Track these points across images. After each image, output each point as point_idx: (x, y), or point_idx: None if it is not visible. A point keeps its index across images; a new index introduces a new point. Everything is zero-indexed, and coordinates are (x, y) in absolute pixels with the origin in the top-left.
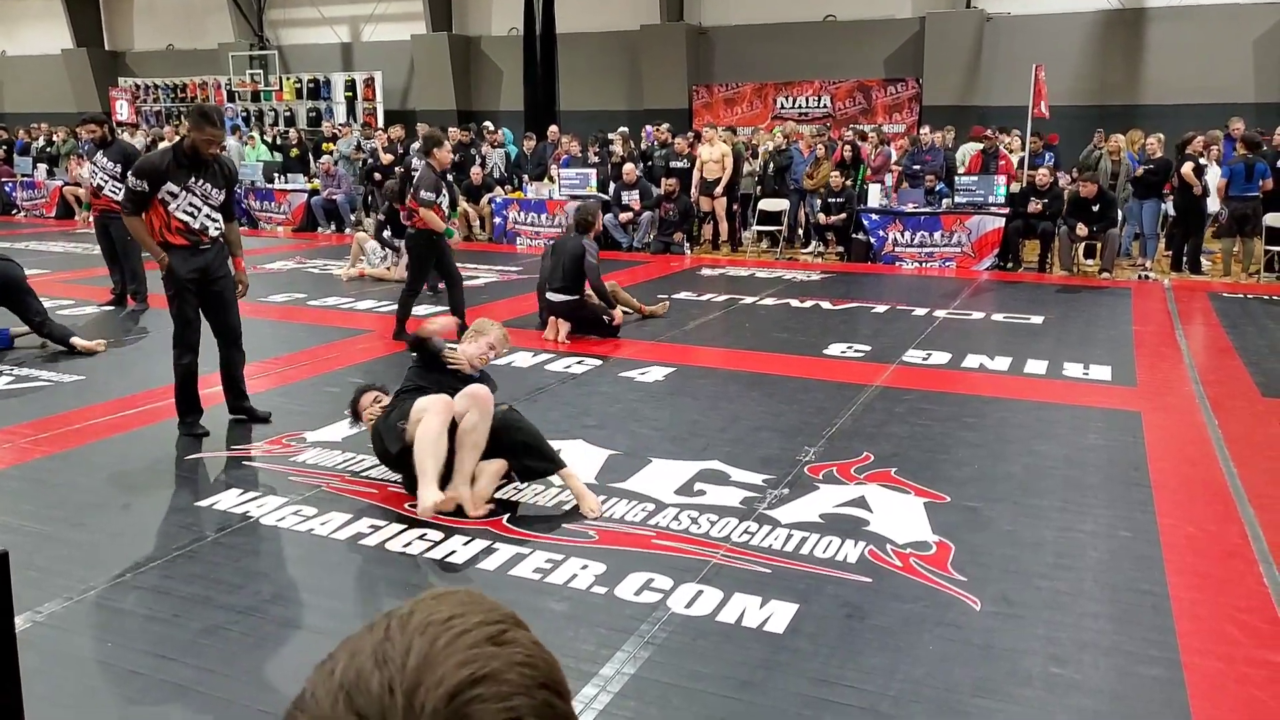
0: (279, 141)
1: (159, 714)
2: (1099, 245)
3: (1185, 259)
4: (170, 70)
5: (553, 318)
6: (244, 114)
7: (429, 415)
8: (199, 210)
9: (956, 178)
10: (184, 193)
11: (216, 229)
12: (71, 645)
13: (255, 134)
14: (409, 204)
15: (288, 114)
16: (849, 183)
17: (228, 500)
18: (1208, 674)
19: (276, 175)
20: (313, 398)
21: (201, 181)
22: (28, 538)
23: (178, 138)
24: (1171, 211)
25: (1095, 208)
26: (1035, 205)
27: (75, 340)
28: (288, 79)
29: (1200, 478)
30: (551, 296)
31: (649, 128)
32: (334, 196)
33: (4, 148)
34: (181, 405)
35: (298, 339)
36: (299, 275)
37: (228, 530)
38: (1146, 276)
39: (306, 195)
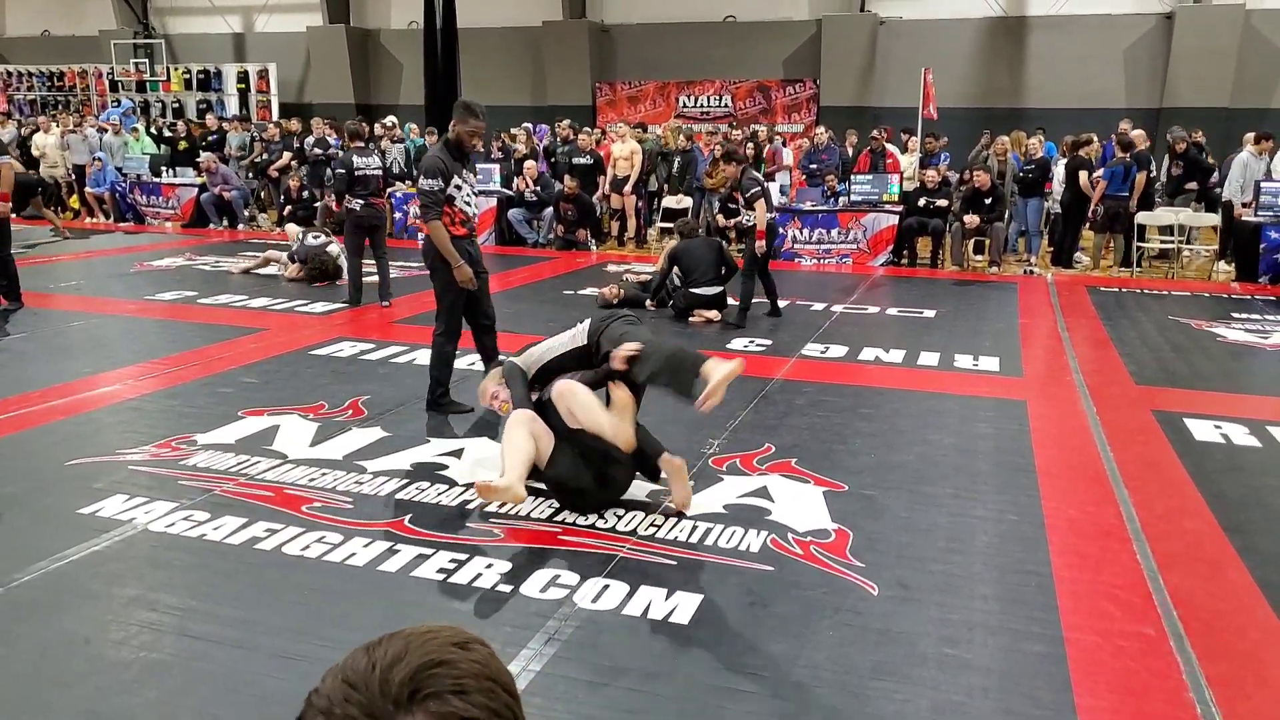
0: (166, 134)
1: None
2: (987, 241)
3: (1063, 255)
4: (46, 58)
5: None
6: (128, 104)
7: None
8: (472, 200)
9: (853, 176)
10: (465, 185)
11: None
12: None
13: (140, 126)
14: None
15: (176, 105)
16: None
17: (112, 507)
18: (1086, 648)
19: (164, 169)
20: (204, 399)
21: (468, 172)
22: None
23: (56, 126)
24: (1056, 209)
25: (988, 200)
26: (922, 204)
27: None
28: (176, 69)
29: (1080, 462)
30: (704, 292)
31: (542, 127)
32: (227, 193)
33: None
34: (438, 386)
35: (187, 338)
36: (189, 273)
37: (112, 539)
38: (1031, 271)
39: (196, 190)
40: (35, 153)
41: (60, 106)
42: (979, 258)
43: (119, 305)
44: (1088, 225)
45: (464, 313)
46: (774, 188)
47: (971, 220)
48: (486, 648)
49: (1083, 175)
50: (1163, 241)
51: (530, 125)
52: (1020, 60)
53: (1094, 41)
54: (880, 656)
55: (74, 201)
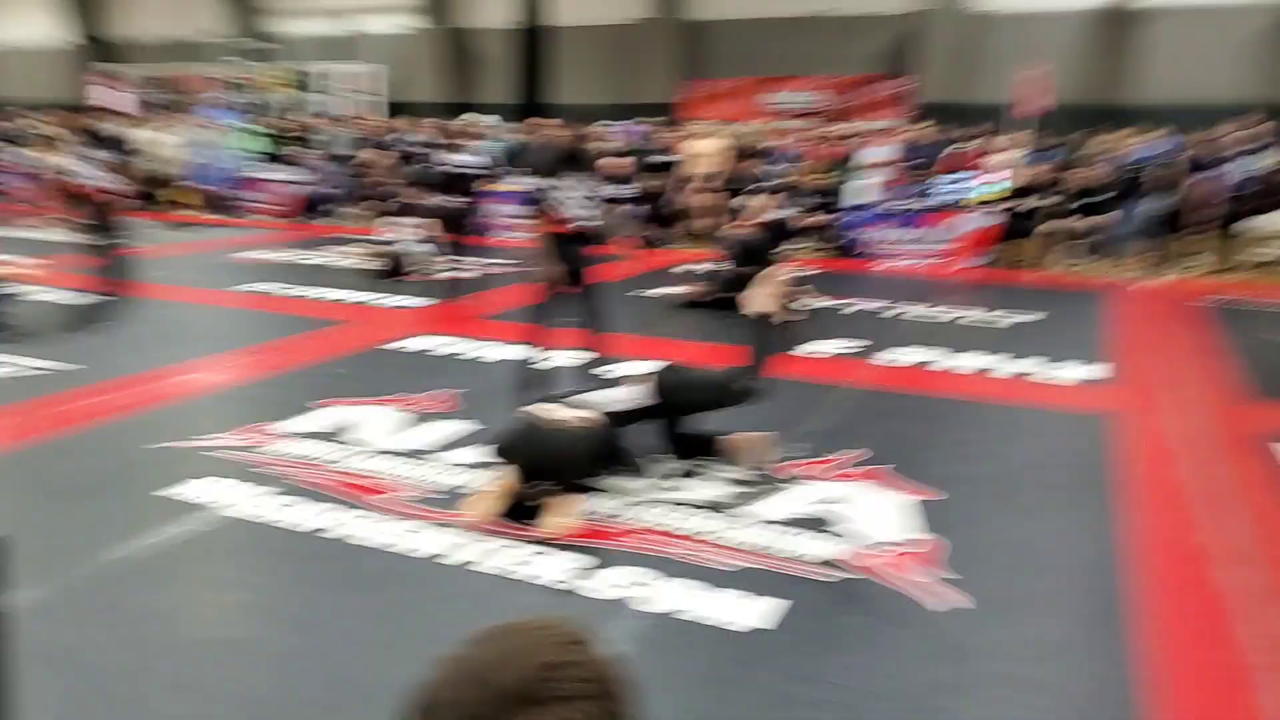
0: (270, 132)
1: (114, 709)
2: (1087, 243)
3: (1168, 260)
4: (162, 60)
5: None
6: (238, 104)
7: None
8: (576, 201)
9: (947, 175)
10: (569, 188)
11: (592, 219)
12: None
13: (246, 124)
14: None
15: (281, 104)
16: (830, 181)
17: (195, 491)
18: (1164, 677)
19: (269, 165)
20: (285, 388)
21: (579, 176)
22: None
23: (171, 126)
24: (1162, 212)
25: (1095, 199)
26: (1020, 204)
27: None
28: (282, 69)
29: (1174, 482)
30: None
31: (635, 129)
32: (326, 190)
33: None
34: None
35: (275, 328)
36: (284, 266)
37: (195, 521)
38: (1133, 276)
39: (298, 186)
40: (150, 150)
41: (172, 107)
42: (1077, 261)
43: (212, 295)
44: (1196, 229)
45: (570, 307)
46: (855, 186)
47: (1084, 221)
48: (595, 647)
49: (1200, 178)
50: None
51: (615, 123)
52: (1126, 54)
53: (1207, 34)
54: (950, 671)
55: (181, 196)
